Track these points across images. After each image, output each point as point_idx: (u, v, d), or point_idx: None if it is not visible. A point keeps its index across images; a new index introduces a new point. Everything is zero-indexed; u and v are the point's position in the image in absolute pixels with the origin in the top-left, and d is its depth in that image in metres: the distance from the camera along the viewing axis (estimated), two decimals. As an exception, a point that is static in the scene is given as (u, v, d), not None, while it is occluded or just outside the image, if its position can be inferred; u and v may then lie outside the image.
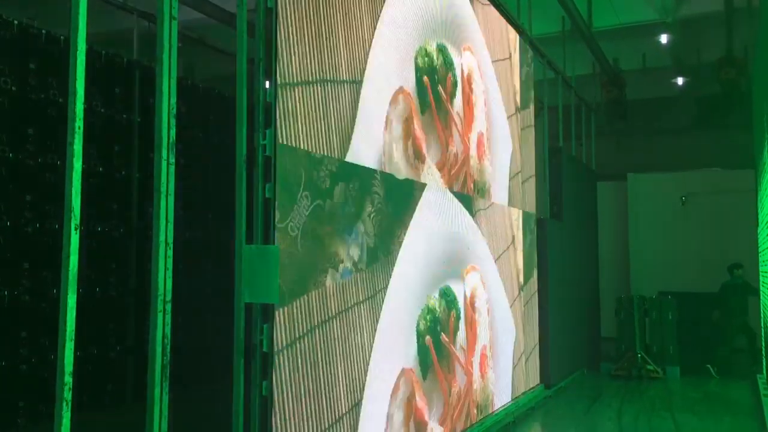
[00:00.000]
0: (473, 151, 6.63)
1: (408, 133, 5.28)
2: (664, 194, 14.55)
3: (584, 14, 11.33)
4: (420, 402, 5.21)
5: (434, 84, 5.86)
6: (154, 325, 3.04)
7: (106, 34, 9.35)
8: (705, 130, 14.90)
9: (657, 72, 14.37)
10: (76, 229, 2.69)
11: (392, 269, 4.97)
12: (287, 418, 3.69)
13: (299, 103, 3.92)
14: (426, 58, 5.75)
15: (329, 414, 4.09)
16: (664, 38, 12.47)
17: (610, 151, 15.14)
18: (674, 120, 15.29)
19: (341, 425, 4.20)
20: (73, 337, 2.61)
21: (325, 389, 4.07)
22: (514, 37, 8.37)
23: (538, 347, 8.59)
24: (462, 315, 6.20)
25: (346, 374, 4.31)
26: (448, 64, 6.23)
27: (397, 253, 5.08)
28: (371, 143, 4.72)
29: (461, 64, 6.55)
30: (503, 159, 7.71)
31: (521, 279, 8.19)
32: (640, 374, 10.29)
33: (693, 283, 13.57)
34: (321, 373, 4.03)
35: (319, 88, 4.12)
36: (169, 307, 3.12)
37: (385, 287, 4.86)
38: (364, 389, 4.48)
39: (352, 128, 4.48)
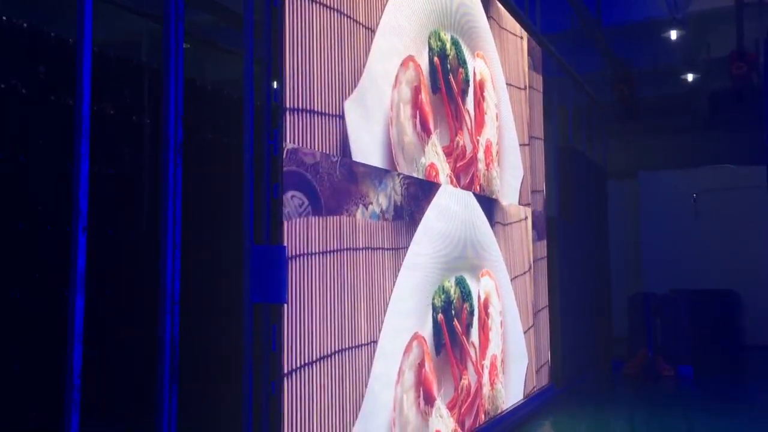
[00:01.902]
0: (481, 155, 6.57)
1: (416, 102, 5.28)
2: (676, 192, 14.49)
3: (593, 12, 11.29)
4: (430, 374, 5.21)
5: (445, 72, 5.84)
6: (163, 327, 3.05)
7: (116, 37, 9.39)
8: (716, 127, 14.79)
9: (667, 69, 14.28)
10: (83, 231, 2.71)
11: (414, 233, 5.19)
12: (310, 324, 3.85)
13: (315, 23, 4.05)
14: (439, 43, 5.77)
15: (349, 337, 4.25)
16: (674, 35, 12.40)
17: (620, 149, 15.07)
18: (685, 117, 15.20)
19: (359, 354, 4.36)
20: (82, 339, 2.62)
21: (348, 310, 4.26)
22: (529, 71, 8.42)
23: (549, 346, 8.56)
24: (475, 312, 6.19)
25: (368, 308, 4.51)
26: (461, 60, 6.22)
27: (419, 223, 5.27)
28: (380, 91, 4.83)
29: (474, 67, 6.52)
30: (513, 183, 7.57)
31: (536, 307, 8.16)
32: (653, 373, 10.22)
33: (705, 281, 13.51)
34: (346, 295, 4.24)
35: (336, 14, 4.29)
36: (177, 308, 3.13)
37: (406, 247, 5.08)
38: (381, 330, 4.64)
39: (364, 66, 4.62)
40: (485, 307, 6.47)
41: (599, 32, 11.49)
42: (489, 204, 6.77)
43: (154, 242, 3.83)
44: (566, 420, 7.61)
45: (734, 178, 14.03)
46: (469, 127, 6.29)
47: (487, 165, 6.72)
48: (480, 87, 6.64)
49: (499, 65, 7.32)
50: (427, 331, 5.27)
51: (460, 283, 5.93)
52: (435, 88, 5.64)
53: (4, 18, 4.43)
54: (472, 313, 6.13)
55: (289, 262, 3.67)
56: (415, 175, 5.17)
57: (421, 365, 5.10)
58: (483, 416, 6.20)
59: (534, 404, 7.65)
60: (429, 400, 5.18)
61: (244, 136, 3.62)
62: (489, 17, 7.06)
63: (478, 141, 6.48)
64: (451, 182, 5.85)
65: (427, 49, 5.57)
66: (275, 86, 3.71)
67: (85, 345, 2.76)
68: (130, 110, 7.06)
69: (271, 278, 3.52)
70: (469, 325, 6.03)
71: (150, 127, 7.16)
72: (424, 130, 5.40)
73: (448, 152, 5.82)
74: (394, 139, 4.95)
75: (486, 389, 6.33)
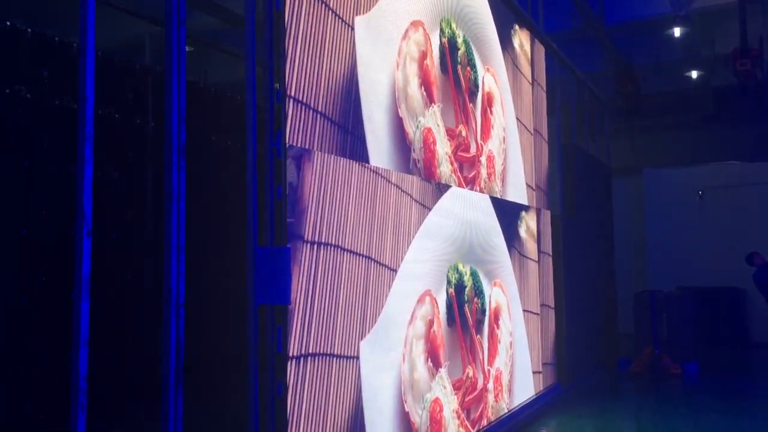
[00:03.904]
0: (484, 160, 6.49)
1: (421, 65, 5.30)
2: (681, 189, 14.45)
3: (596, 9, 11.28)
4: (438, 338, 5.23)
5: (455, 62, 5.85)
6: (168, 329, 3.06)
7: (119, 41, 9.43)
8: (721, 123, 14.75)
9: (671, 66, 14.26)
10: (88, 235, 2.72)
11: (434, 204, 5.37)
12: (343, 213, 4.16)
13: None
14: (449, 31, 5.80)
15: (377, 248, 4.50)
16: (677, 31, 12.37)
17: (624, 147, 15.04)
18: (690, 114, 15.16)
19: (382, 278, 4.57)
20: (87, 342, 2.64)
21: (377, 225, 4.56)
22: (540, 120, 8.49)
23: (554, 344, 8.55)
24: (486, 312, 6.18)
25: (394, 236, 4.77)
26: (471, 60, 6.19)
27: (440, 197, 5.45)
28: (392, 25, 4.94)
29: (483, 77, 6.49)
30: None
31: (546, 355, 8.15)
32: (659, 371, 10.20)
33: (711, 278, 13.47)
34: (377, 211, 4.57)
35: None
36: (182, 311, 3.14)
37: (429, 209, 5.28)
38: (401, 265, 4.81)
39: None
40: (495, 317, 6.44)
41: (602, 30, 11.47)
42: (507, 215, 6.77)
43: (158, 245, 3.84)
44: (572, 419, 7.61)
45: (739, 174, 13.98)
46: (474, 129, 6.25)
47: (489, 175, 6.63)
48: (488, 100, 6.59)
49: (510, 94, 7.32)
50: (441, 298, 5.35)
51: (474, 275, 5.92)
52: (443, 68, 5.64)
53: (8, 23, 4.45)
54: (483, 311, 6.10)
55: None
56: (413, 129, 5.16)
57: (431, 323, 5.14)
58: (485, 422, 6.16)
59: (540, 403, 7.64)
60: (435, 362, 5.19)
61: (247, 138, 3.63)
62: (504, 50, 7.15)
63: (482, 146, 6.44)
64: (452, 164, 5.75)
65: (438, 31, 5.61)
66: (277, 88, 3.72)
67: (90, 348, 2.77)
68: (134, 113, 7.07)
69: (275, 280, 3.53)
70: (479, 322, 6.01)
71: (153, 130, 7.17)
72: (428, 95, 5.38)
73: (451, 135, 5.76)
74: (399, 84, 4.97)
75: (491, 397, 6.28)
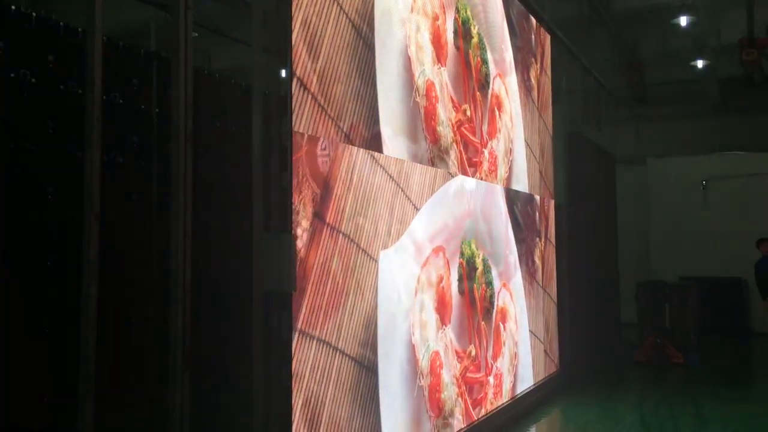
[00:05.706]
0: (486, 153, 6.39)
1: (433, 23, 5.29)
2: (685, 178, 14.42)
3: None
4: (447, 296, 5.26)
5: (467, 42, 5.83)
6: (174, 315, 3.07)
7: (124, 26, 9.40)
8: (726, 113, 14.69)
9: (677, 55, 14.17)
10: (96, 219, 2.73)
11: (450, 178, 5.48)
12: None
13: None
14: (464, 13, 5.80)
15: (404, 181, 4.75)
16: (684, 20, 12.28)
17: (629, 136, 15.00)
18: (695, 103, 15.10)
19: (406, 206, 4.79)
20: (96, 327, 2.65)
21: (405, 170, 4.77)
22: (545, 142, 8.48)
23: (556, 333, 8.56)
24: (494, 305, 6.15)
25: (419, 183, 4.99)
26: (483, 56, 6.15)
27: (452, 179, 5.54)
28: None
29: (494, 79, 6.45)
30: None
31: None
32: (661, 360, 10.21)
33: (714, 268, 13.46)
34: (403, 169, 4.78)
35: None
36: (188, 296, 3.15)
37: (446, 181, 5.41)
38: (423, 206, 4.99)
39: None
40: (502, 317, 6.42)
41: (609, 18, 11.41)
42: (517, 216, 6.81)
43: (164, 231, 3.85)
44: (575, 407, 7.63)
45: (744, 164, 13.93)
46: (480, 119, 6.20)
47: (490, 171, 6.55)
48: (497, 103, 6.55)
49: (520, 112, 7.30)
50: (453, 264, 5.38)
51: (486, 264, 5.91)
52: (455, 44, 5.64)
53: (14, 7, 4.44)
54: (491, 303, 6.08)
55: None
56: (418, 72, 5.10)
57: (441, 278, 5.18)
58: (484, 410, 6.13)
59: (543, 391, 7.67)
60: (441, 318, 5.21)
61: (253, 125, 3.62)
62: (519, 75, 7.21)
63: (487, 141, 6.38)
64: (454, 134, 5.66)
65: (454, 8, 5.61)
66: (283, 75, 3.71)
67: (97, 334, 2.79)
68: (139, 99, 7.04)
69: (280, 267, 3.53)
70: (487, 311, 6.00)
71: (159, 116, 7.14)
72: (437, 53, 5.35)
73: (455, 107, 5.69)
74: (411, 26, 4.97)
75: (490, 392, 6.21)
